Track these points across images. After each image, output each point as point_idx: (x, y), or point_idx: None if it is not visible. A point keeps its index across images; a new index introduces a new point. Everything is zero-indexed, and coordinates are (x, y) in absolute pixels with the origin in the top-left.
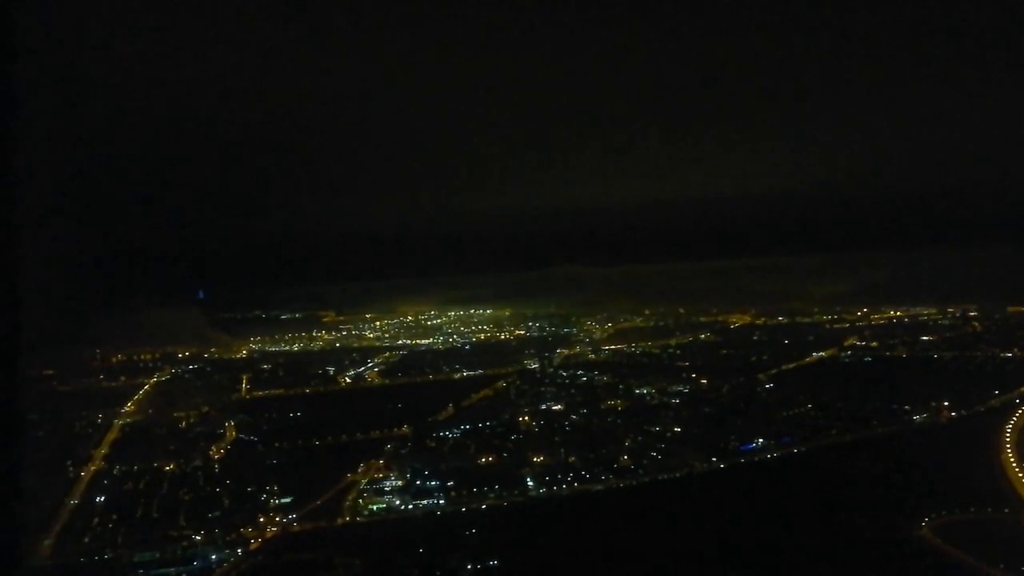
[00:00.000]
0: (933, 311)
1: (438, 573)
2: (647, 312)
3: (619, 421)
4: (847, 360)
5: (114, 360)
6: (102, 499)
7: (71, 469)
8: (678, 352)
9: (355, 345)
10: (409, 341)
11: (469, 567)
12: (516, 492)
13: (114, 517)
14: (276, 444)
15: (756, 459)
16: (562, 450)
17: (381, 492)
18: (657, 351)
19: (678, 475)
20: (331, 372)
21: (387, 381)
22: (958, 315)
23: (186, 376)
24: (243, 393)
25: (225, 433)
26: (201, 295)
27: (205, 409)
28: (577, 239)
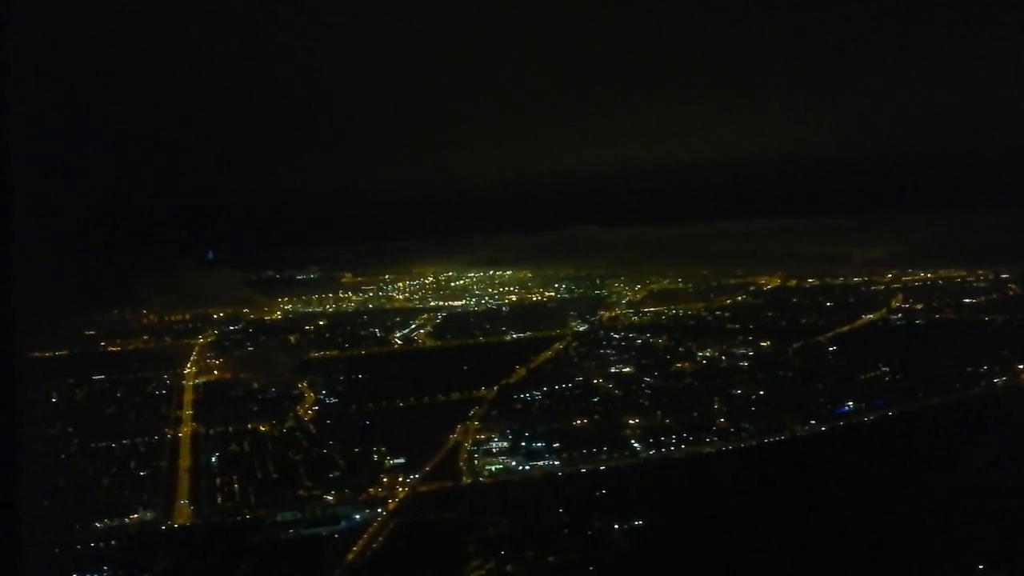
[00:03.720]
0: (963, 273)
1: (589, 532)
2: (670, 274)
3: (695, 384)
4: (900, 323)
5: (145, 321)
6: (214, 460)
7: (166, 431)
8: (726, 315)
9: (388, 306)
10: (442, 303)
11: (616, 527)
12: (626, 454)
13: (235, 478)
14: (360, 406)
15: (853, 422)
16: (657, 413)
17: (491, 453)
18: (705, 313)
19: (783, 437)
20: (378, 333)
21: (439, 343)
22: (990, 277)
23: (231, 338)
24: None
25: (303, 395)
26: (211, 256)
27: (275, 370)
28: (593, 200)
